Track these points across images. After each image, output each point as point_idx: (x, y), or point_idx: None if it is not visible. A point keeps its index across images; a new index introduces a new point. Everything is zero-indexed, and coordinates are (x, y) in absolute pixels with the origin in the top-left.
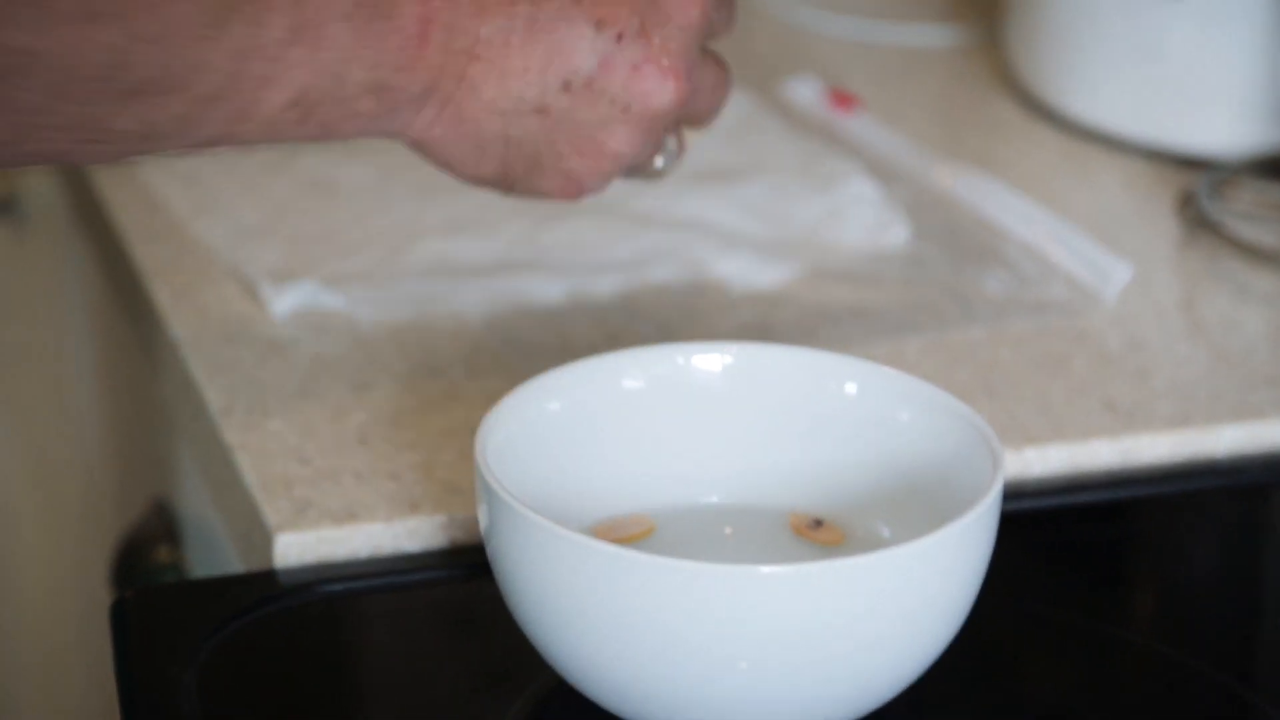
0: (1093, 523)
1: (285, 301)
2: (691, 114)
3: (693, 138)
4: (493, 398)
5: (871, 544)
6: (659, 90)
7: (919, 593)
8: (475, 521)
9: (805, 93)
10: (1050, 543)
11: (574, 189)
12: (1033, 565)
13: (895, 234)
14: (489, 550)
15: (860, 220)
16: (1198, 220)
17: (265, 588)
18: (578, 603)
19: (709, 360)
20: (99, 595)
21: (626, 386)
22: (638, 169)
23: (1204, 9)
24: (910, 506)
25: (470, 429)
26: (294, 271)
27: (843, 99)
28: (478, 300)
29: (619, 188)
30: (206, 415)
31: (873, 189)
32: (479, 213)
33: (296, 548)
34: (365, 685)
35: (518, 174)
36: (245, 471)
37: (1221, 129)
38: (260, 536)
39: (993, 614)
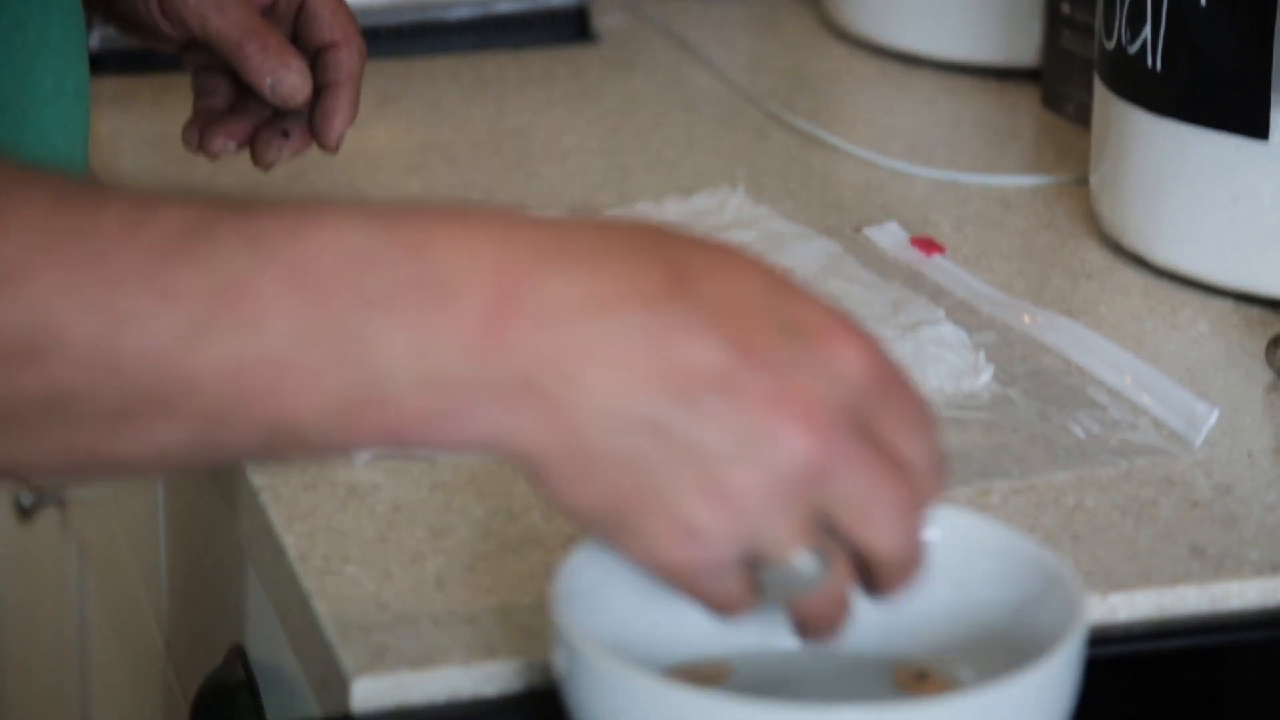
0: (1182, 669)
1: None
2: (857, 519)
3: None
4: (570, 540)
5: (953, 689)
6: (789, 429)
7: None
8: (552, 666)
9: (888, 238)
10: (1139, 690)
11: (691, 547)
12: (1121, 713)
13: (979, 378)
14: (567, 697)
15: (944, 364)
16: None
17: None
18: None
19: None
20: None
21: None
22: (775, 571)
23: None
24: (992, 652)
25: (548, 572)
26: None
27: (926, 244)
28: None
29: None
30: (285, 561)
31: (956, 333)
32: None
33: (374, 692)
34: None
35: (631, 510)
36: (323, 617)
37: None
38: (337, 682)
39: None
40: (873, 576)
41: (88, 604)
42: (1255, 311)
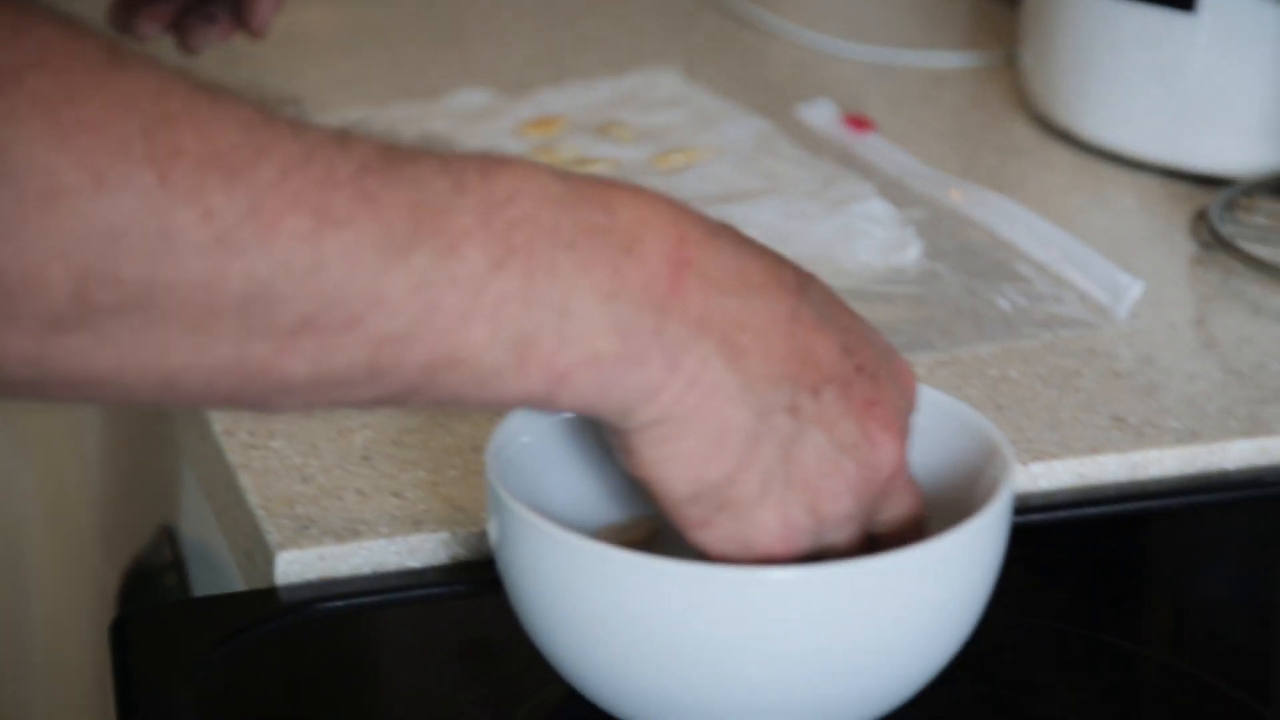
0: (1102, 537)
1: None
2: (891, 526)
3: (707, 161)
4: (495, 416)
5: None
6: (885, 436)
7: (930, 596)
8: (479, 538)
9: (820, 116)
10: (1060, 556)
11: (783, 541)
12: (1042, 579)
13: (908, 252)
14: (499, 561)
15: (873, 239)
16: (1211, 239)
17: (266, 605)
18: (586, 608)
19: None
20: (107, 621)
21: None
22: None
23: (1219, 29)
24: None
25: (474, 447)
26: None
27: (857, 122)
28: None
29: None
30: (211, 437)
31: (885, 209)
32: None
33: (298, 566)
34: (368, 702)
35: (737, 497)
36: (248, 491)
37: (1236, 149)
38: (262, 556)
39: (1002, 627)
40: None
41: (21, 494)
42: (1181, 186)
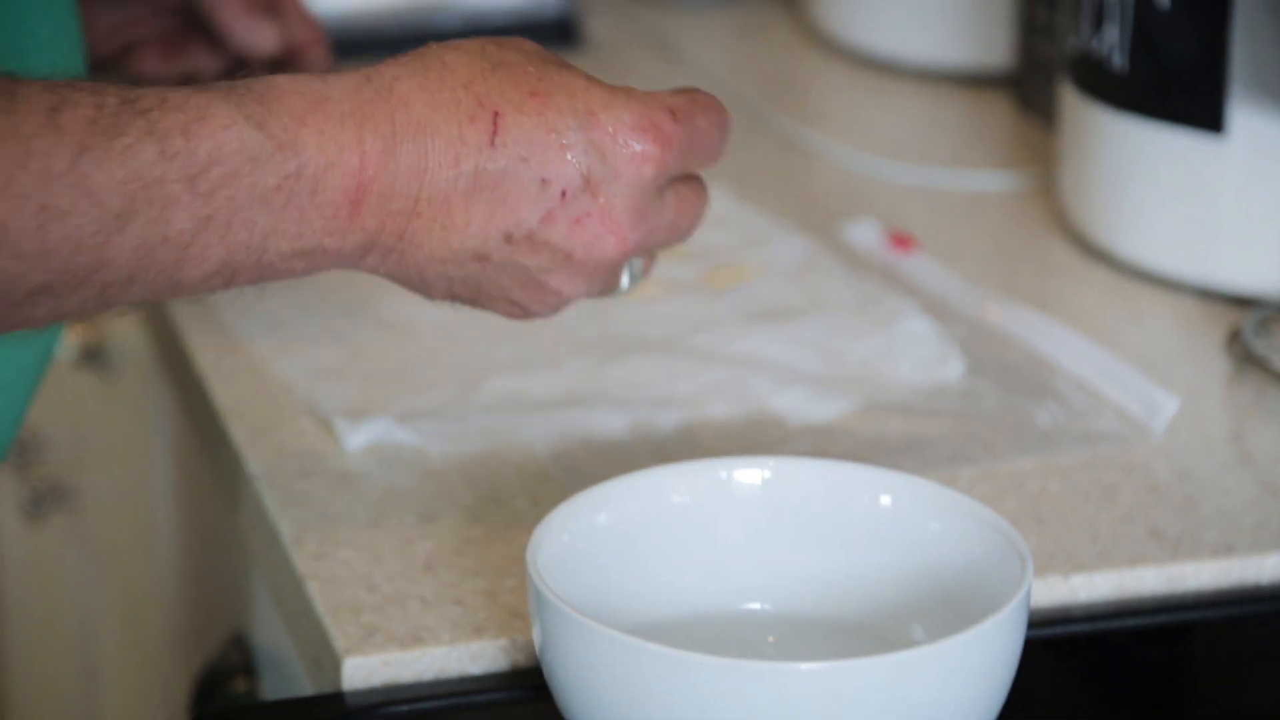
0: (1141, 648)
1: (358, 437)
2: (660, 244)
3: (756, 278)
4: None
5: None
6: (600, 242)
7: (953, 690)
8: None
9: (864, 235)
10: (1099, 668)
11: (521, 314)
12: (1081, 690)
13: (950, 369)
14: (544, 662)
15: (916, 356)
16: (1244, 356)
17: (333, 710)
18: (629, 704)
19: (750, 474)
20: None
21: (672, 500)
22: (600, 294)
23: (1249, 152)
24: (944, 612)
25: None
26: (367, 408)
27: (900, 240)
28: (543, 433)
29: (678, 323)
30: (280, 546)
31: (928, 326)
32: (546, 352)
33: (364, 671)
34: None
35: (465, 301)
36: (315, 599)
37: (1268, 268)
38: (329, 661)
39: None
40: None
41: (94, 601)
42: (1216, 305)
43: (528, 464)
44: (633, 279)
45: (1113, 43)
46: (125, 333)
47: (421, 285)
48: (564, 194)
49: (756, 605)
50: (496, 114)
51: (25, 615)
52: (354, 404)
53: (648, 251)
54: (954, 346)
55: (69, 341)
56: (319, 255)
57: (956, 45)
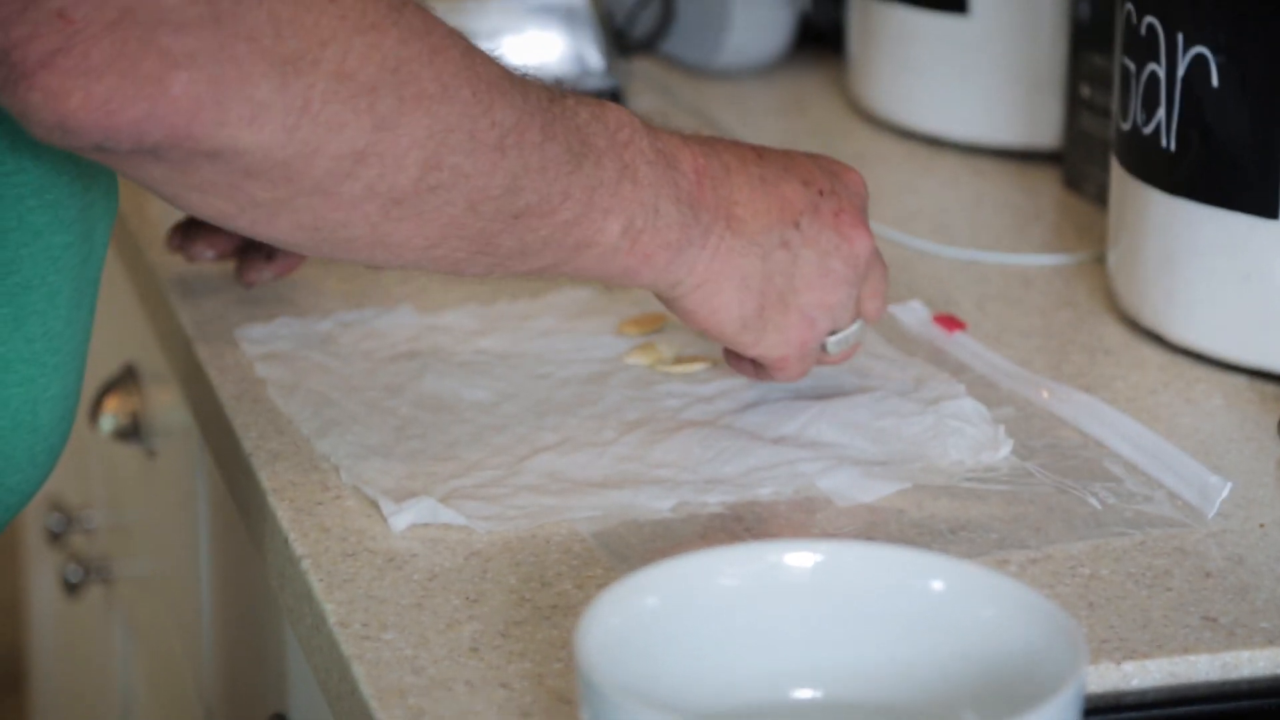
0: None
1: (404, 517)
2: (872, 289)
3: None
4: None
5: None
6: (855, 232)
7: None
8: None
9: (912, 315)
10: None
11: (811, 329)
12: None
13: (999, 451)
14: None
15: (965, 437)
16: None
17: None
18: None
19: (800, 558)
20: None
21: (721, 584)
22: (836, 338)
23: None
24: (997, 699)
25: None
26: (413, 488)
27: (948, 321)
28: (589, 513)
29: (725, 403)
30: (325, 628)
31: (976, 408)
32: (593, 431)
33: None
34: None
35: (772, 312)
36: (361, 681)
37: None
38: None
39: None
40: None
41: (131, 678)
42: (1269, 387)
43: (574, 544)
44: (846, 340)
45: (1161, 122)
46: (168, 406)
47: (741, 286)
48: (821, 192)
49: (808, 692)
50: (761, 151)
51: (63, 690)
52: (399, 483)
53: (867, 284)
54: (1002, 429)
55: (111, 415)
56: (688, 225)
57: (1004, 121)
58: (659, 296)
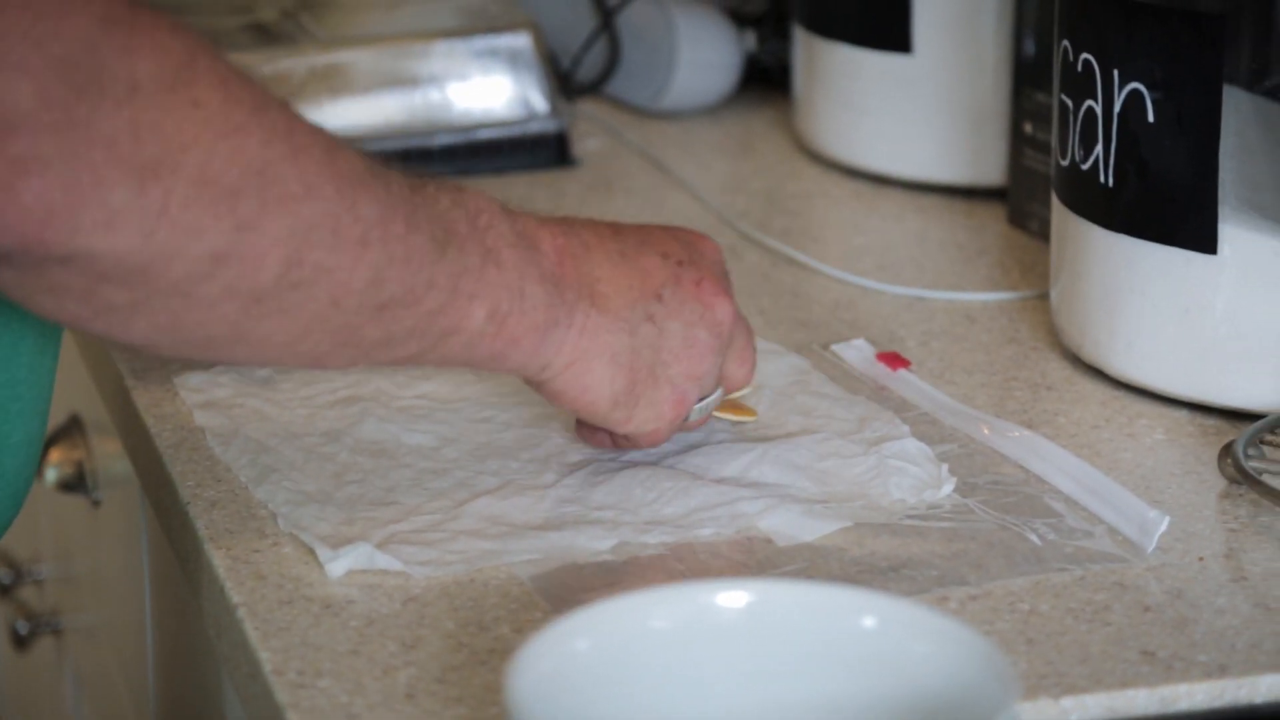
0: None
1: (340, 563)
2: (737, 355)
3: (746, 398)
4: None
5: None
6: (717, 300)
7: None
8: None
9: (856, 353)
10: None
11: (681, 401)
12: None
13: (941, 490)
14: None
15: (907, 476)
16: (1237, 473)
17: None
18: None
19: (731, 598)
20: None
21: (653, 625)
22: (702, 404)
23: (1240, 270)
24: None
25: None
26: (351, 534)
27: (891, 359)
28: (528, 556)
29: (668, 445)
30: (261, 676)
31: (919, 448)
32: (532, 473)
33: None
34: None
35: (643, 387)
36: None
37: (1261, 384)
38: None
39: None
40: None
41: None
42: (1210, 421)
43: (512, 588)
44: (705, 409)
45: (1099, 158)
46: (113, 456)
47: (611, 363)
48: (679, 263)
49: None
50: (617, 227)
51: None
52: (337, 529)
53: (731, 351)
54: (945, 468)
55: (55, 467)
56: (553, 305)
57: (949, 159)
58: (529, 381)
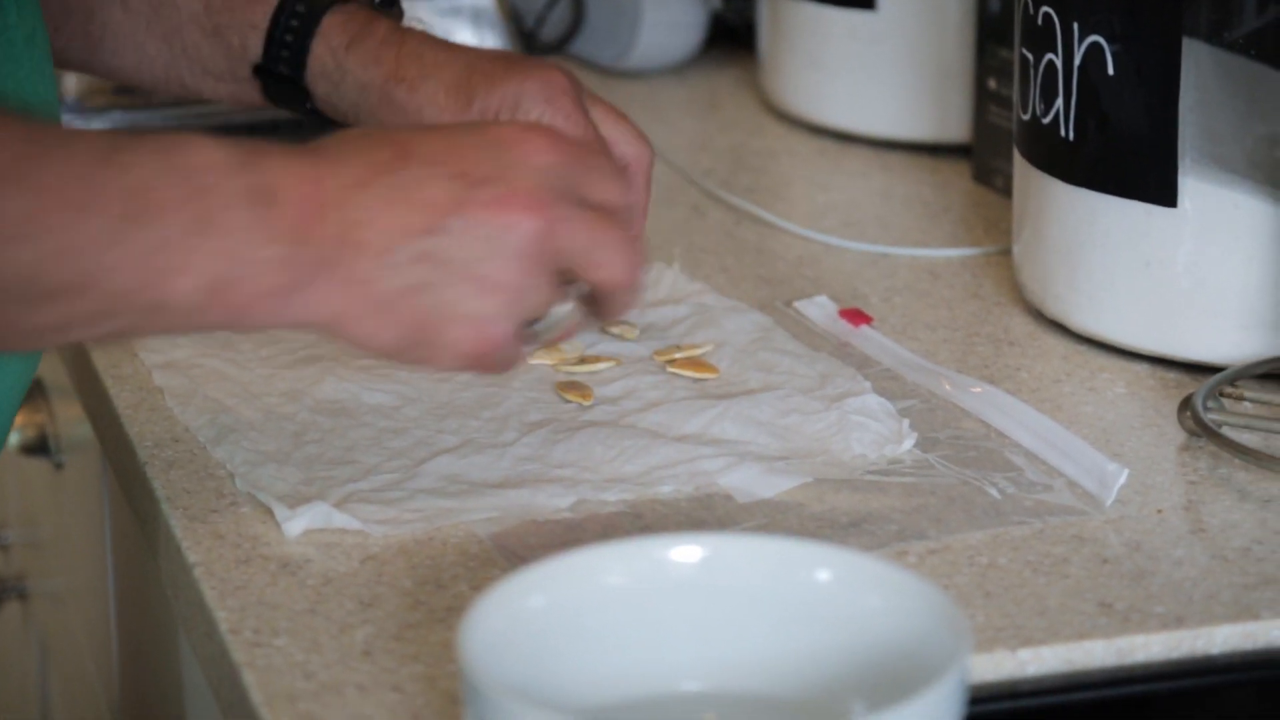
0: None
1: (297, 522)
2: (582, 247)
3: (708, 356)
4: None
5: None
6: (518, 214)
7: None
8: None
9: (819, 310)
10: None
11: (484, 334)
12: None
13: (902, 445)
14: None
15: (868, 432)
16: (1196, 425)
17: None
18: None
19: (685, 553)
20: None
21: (607, 581)
22: (538, 321)
23: (1200, 223)
24: (885, 688)
25: None
26: (309, 494)
27: (854, 315)
28: (487, 514)
29: (628, 403)
30: (217, 635)
31: (881, 403)
32: (493, 432)
33: None
34: None
35: (430, 330)
36: (251, 688)
37: (1221, 337)
38: None
39: None
40: (604, 304)
41: (49, 692)
42: (1170, 374)
43: (470, 546)
44: (549, 325)
45: (1060, 112)
46: (74, 419)
47: (379, 313)
48: (474, 183)
49: (695, 685)
50: (408, 150)
51: None
52: (295, 489)
53: (572, 257)
54: (907, 423)
55: (17, 430)
56: (290, 266)
57: (913, 116)
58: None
